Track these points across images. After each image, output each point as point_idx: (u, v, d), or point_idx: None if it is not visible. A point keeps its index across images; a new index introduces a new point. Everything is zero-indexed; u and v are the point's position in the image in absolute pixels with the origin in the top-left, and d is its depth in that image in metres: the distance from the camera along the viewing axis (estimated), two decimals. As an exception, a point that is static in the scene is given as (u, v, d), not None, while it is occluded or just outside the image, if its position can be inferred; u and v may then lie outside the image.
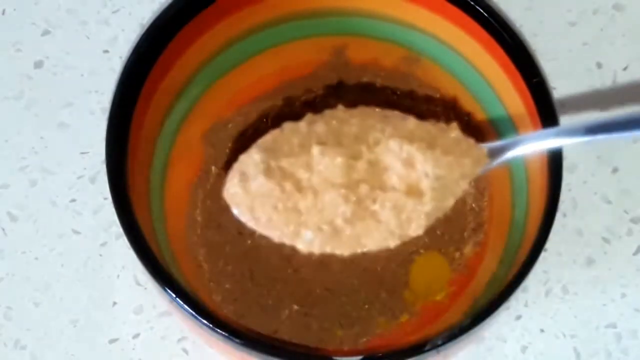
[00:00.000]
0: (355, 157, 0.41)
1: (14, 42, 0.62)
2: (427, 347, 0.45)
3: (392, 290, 0.56)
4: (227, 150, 0.57)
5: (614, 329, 0.57)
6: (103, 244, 0.58)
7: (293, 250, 0.56)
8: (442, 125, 0.44)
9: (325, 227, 0.41)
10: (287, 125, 0.44)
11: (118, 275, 0.58)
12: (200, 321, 0.46)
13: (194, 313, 0.46)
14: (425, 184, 0.42)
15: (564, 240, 0.58)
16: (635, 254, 0.59)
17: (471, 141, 0.44)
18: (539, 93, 0.49)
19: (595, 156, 0.60)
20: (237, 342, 0.45)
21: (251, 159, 0.42)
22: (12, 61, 0.62)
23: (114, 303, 0.57)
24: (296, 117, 0.57)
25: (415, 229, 0.42)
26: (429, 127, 0.43)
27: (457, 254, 0.56)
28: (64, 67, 0.62)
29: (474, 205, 0.56)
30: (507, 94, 0.51)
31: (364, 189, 0.41)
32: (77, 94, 0.61)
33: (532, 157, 0.50)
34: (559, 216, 0.47)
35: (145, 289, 0.57)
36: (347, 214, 0.41)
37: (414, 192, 0.42)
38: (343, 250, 0.42)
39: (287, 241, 0.43)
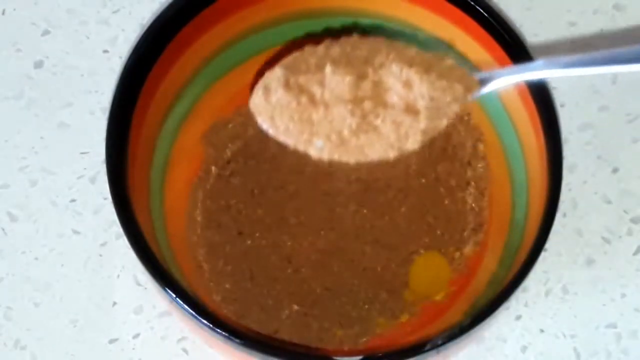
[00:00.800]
0: (362, 77, 0.46)
1: (14, 42, 0.62)
2: (427, 347, 0.45)
3: (392, 290, 0.56)
4: (227, 150, 0.57)
5: (614, 329, 0.57)
6: (103, 244, 0.58)
7: (293, 250, 0.56)
8: (439, 54, 0.48)
9: (333, 136, 0.47)
10: (308, 48, 0.48)
11: (118, 275, 0.58)
12: (200, 321, 0.46)
13: (194, 313, 0.46)
14: (421, 104, 0.46)
15: (564, 240, 0.58)
16: (635, 254, 0.59)
17: (464, 70, 0.48)
18: (539, 93, 0.49)
19: (595, 156, 0.60)
20: (237, 342, 0.45)
21: (274, 75, 0.47)
22: (12, 61, 0.62)
23: (114, 303, 0.57)
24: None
25: (412, 144, 0.47)
26: (428, 55, 0.48)
27: (457, 254, 0.56)
28: (64, 67, 0.62)
29: (474, 205, 0.56)
30: (507, 94, 0.51)
31: (368, 105, 0.46)
32: (77, 94, 0.61)
33: (532, 157, 0.50)
34: (559, 216, 0.48)
35: (145, 289, 0.57)
36: (352, 126, 0.46)
37: (411, 110, 0.46)
38: (349, 158, 0.47)
39: (301, 148, 0.47)
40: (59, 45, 0.62)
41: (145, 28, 0.50)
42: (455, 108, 0.47)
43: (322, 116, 0.46)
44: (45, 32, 0.62)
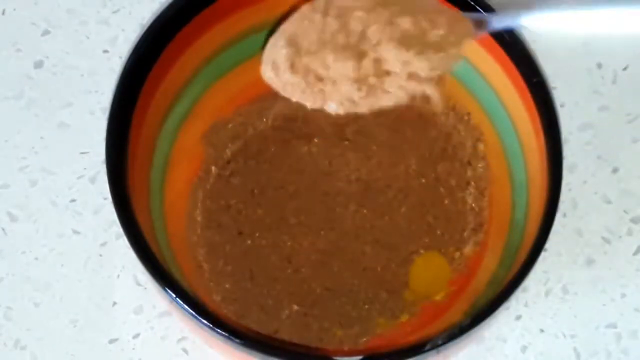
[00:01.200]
0: (361, 56, 0.48)
1: (14, 42, 0.62)
2: (427, 347, 0.45)
3: (392, 290, 0.56)
4: (227, 150, 0.57)
5: (614, 329, 0.57)
6: (103, 244, 0.58)
7: (293, 250, 0.56)
8: (432, 19, 0.49)
9: (346, 102, 0.49)
10: (306, 13, 0.49)
11: (118, 275, 0.58)
12: (200, 321, 0.46)
13: (194, 313, 0.46)
14: (422, 74, 0.48)
15: (564, 240, 0.58)
16: (635, 254, 0.59)
17: (458, 32, 0.49)
18: (539, 93, 0.49)
19: (595, 156, 0.60)
20: (237, 342, 0.45)
21: (279, 53, 0.48)
22: (12, 61, 0.62)
23: (114, 303, 0.57)
24: (295, 117, 0.58)
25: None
26: (424, 24, 0.48)
27: (457, 254, 0.56)
28: (64, 67, 0.62)
29: (474, 205, 0.56)
30: (507, 94, 0.51)
31: (372, 79, 0.48)
32: (77, 94, 0.61)
33: (532, 157, 0.50)
34: (559, 216, 0.47)
35: (145, 289, 0.57)
36: (362, 95, 0.48)
37: (414, 77, 0.48)
38: (363, 109, 0.49)
39: (318, 106, 0.49)
40: (59, 45, 0.62)
41: (145, 28, 0.50)
42: (457, 61, 0.49)
43: (332, 89, 0.48)
44: (45, 32, 0.62)
